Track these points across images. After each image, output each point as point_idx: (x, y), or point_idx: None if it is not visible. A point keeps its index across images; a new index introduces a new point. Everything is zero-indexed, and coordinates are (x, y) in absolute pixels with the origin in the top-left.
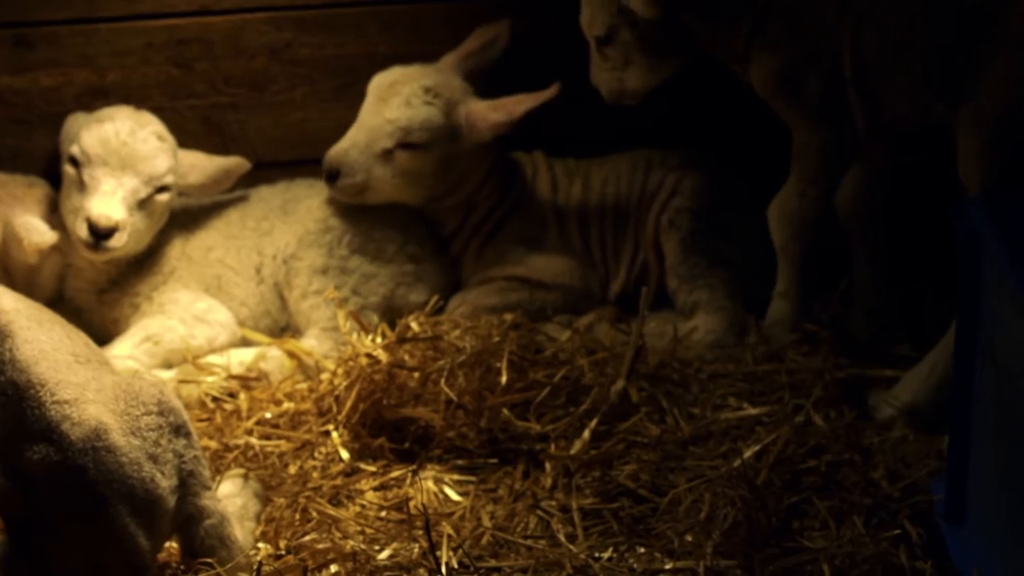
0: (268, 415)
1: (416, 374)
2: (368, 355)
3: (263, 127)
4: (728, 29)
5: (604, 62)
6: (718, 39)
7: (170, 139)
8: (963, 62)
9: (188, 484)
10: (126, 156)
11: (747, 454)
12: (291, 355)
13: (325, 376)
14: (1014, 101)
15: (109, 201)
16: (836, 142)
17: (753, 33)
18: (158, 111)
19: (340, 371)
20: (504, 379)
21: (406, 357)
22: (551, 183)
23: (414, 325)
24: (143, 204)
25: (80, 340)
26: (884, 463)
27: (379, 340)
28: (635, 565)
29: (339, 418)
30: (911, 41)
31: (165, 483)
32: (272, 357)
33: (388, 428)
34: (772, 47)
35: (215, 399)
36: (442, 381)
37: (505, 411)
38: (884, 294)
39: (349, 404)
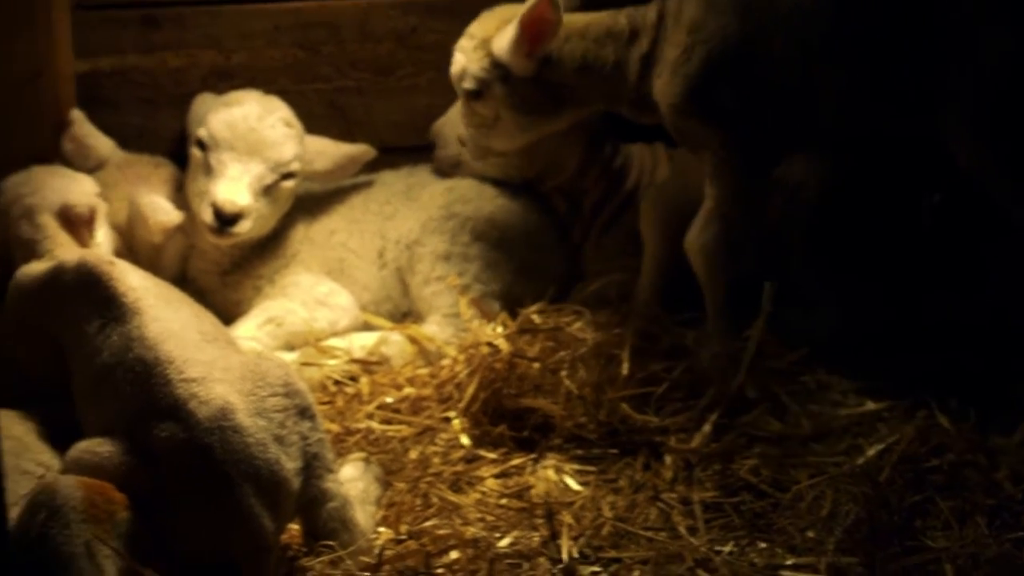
0: (389, 400)
1: (536, 364)
2: (489, 344)
3: (388, 112)
4: (613, 74)
5: (473, 119)
6: (601, 88)
7: (297, 125)
8: (906, 56)
9: (312, 466)
10: (253, 142)
11: (870, 452)
12: (412, 340)
13: (446, 363)
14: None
15: (235, 186)
16: (754, 159)
17: (647, 65)
18: (283, 94)
19: (461, 358)
20: (625, 371)
21: (526, 347)
22: None
23: (535, 317)
24: (268, 190)
25: (207, 319)
26: (1008, 464)
27: (500, 329)
28: (756, 560)
29: (460, 405)
30: (840, 42)
31: (290, 464)
32: (394, 342)
33: (508, 416)
34: (676, 66)
35: (337, 382)
36: (563, 372)
37: (624, 405)
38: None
39: (470, 391)
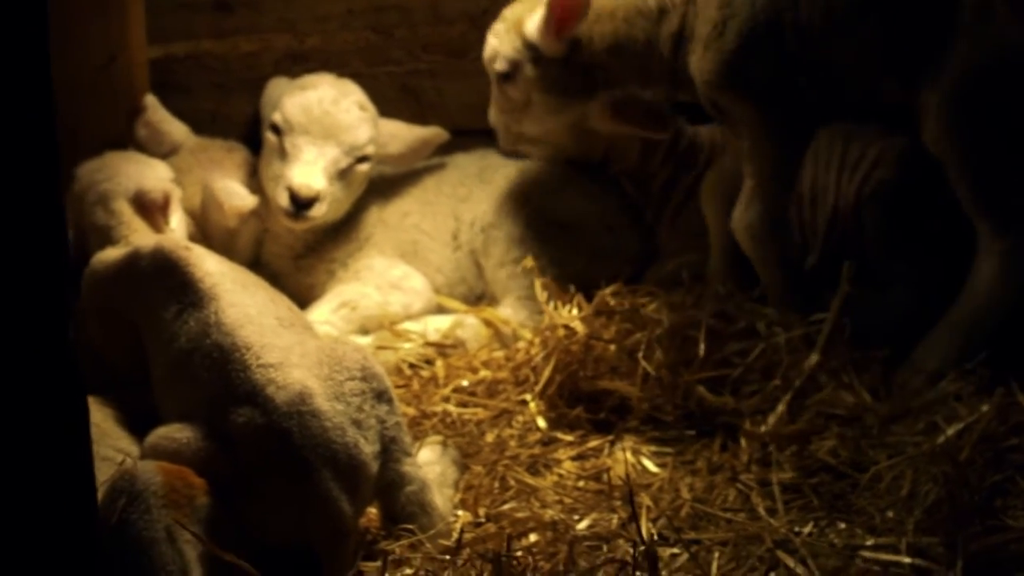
0: (465, 383)
1: (612, 347)
2: (565, 326)
3: (460, 94)
4: (645, 52)
5: (505, 103)
6: (634, 67)
7: (371, 109)
8: (915, 40)
9: (390, 450)
10: (328, 125)
11: (949, 431)
12: (487, 323)
13: (521, 345)
14: (979, 82)
15: (310, 170)
16: (789, 132)
17: (678, 43)
18: (356, 77)
19: (536, 341)
20: (701, 352)
21: (601, 329)
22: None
23: (610, 299)
24: (343, 174)
25: (284, 304)
26: None
27: (576, 311)
28: (836, 540)
29: (536, 388)
30: (860, 14)
31: (368, 448)
32: (468, 325)
33: (584, 399)
34: (708, 41)
35: (412, 366)
36: (640, 354)
37: (700, 387)
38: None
39: (546, 374)
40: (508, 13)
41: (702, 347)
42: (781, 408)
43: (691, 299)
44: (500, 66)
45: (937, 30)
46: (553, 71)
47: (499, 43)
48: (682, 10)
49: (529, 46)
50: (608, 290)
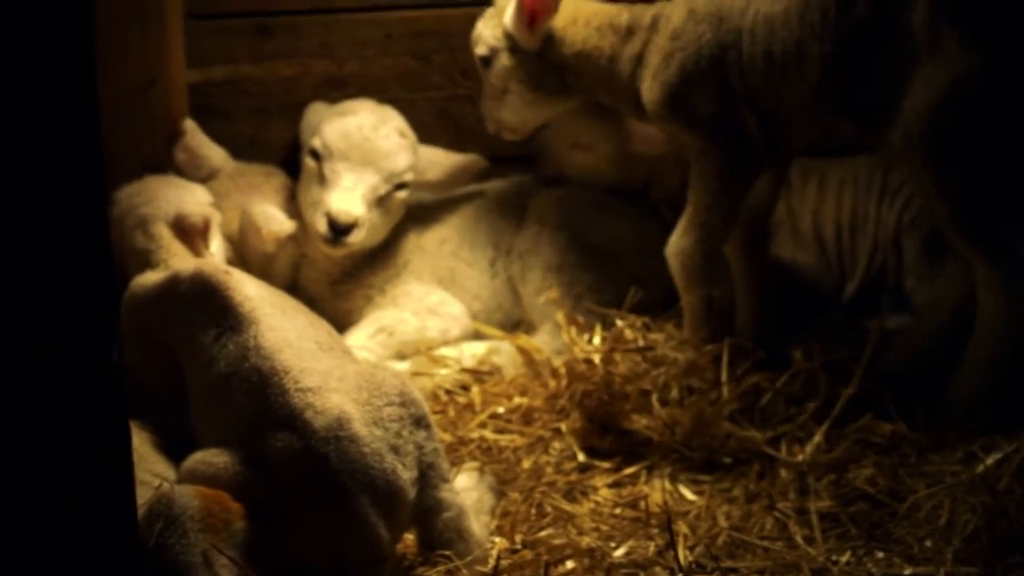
0: (501, 410)
1: (629, 387)
2: (585, 360)
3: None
4: (608, 67)
5: (488, 88)
6: (599, 79)
7: (411, 135)
8: (863, 82)
9: (427, 476)
10: (368, 152)
11: (988, 461)
12: (521, 351)
13: (554, 373)
14: (940, 117)
15: (349, 197)
16: (733, 165)
17: (638, 65)
18: (395, 103)
19: (563, 371)
20: (726, 393)
21: (619, 362)
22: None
23: (628, 332)
24: (382, 200)
25: (323, 328)
26: None
27: (595, 341)
28: (873, 570)
29: (572, 415)
30: (800, 57)
31: (406, 474)
32: (504, 351)
33: (613, 431)
34: (656, 71)
35: (448, 392)
36: (654, 396)
37: (726, 423)
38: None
39: (577, 403)
40: (501, 1)
41: (725, 389)
42: (818, 438)
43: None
44: (480, 50)
45: (886, 70)
46: (527, 63)
47: (483, 28)
48: (646, 36)
49: (508, 35)
50: (625, 324)
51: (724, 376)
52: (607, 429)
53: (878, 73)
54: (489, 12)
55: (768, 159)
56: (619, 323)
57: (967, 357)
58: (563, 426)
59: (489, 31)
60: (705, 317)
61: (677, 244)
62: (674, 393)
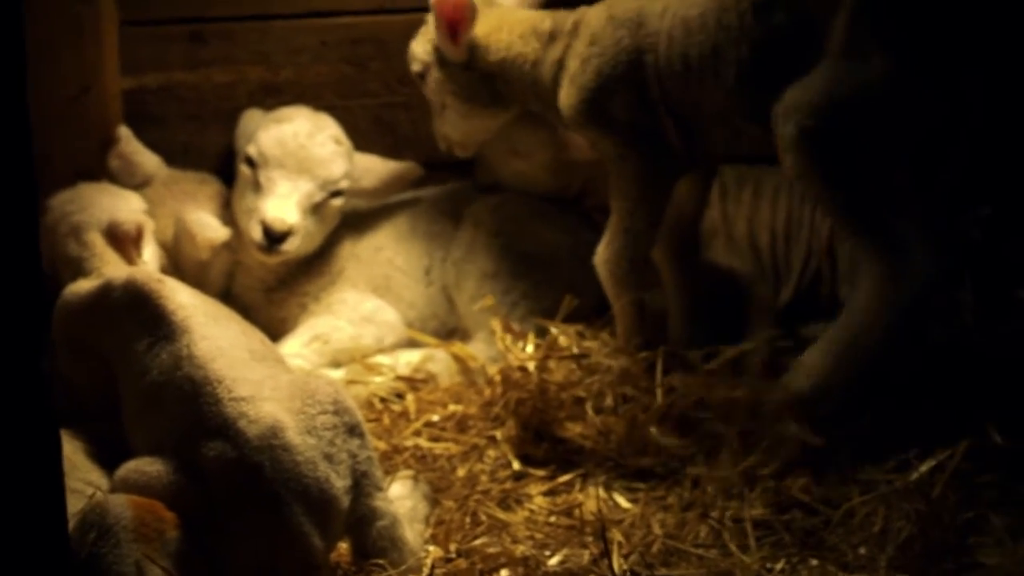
0: (435, 418)
1: (563, 394)
2: (520, 368)
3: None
4: (532, 73)
5: (433, 106)
6: (525, 86)
7: (347, 143)
8: (771, 85)
9: (361, 485)
10: (303, 159)
11: (922, 468)
12: (456, 358)
13: (489, 381)
14: (840, 115)
15: (284, 204)
16: (652, 170)
17: (559, 70)
18: (330, 109)
19: (497, 379)
20: (659, 399)
21: (553, 369)
22: (720, 189)
23: (562, 340)
24: (317, 208)
25: (256, 337)
26: None
27: (529, 349)
28: None
29: (507, 423)
30: (716, 61)
31: (340, 483)
32: (439, 359)
33: (548, 437)
34: (574, 76)
35: (383, 400)
36: (588, 404)
37: (653, 430)
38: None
39: (511, 411)
40: (432, 18)
41: (659, 392)
42: (734, 446)
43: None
44: (415, 67)
45: (799, 77)
46: (457, 76)
47: (415, 45)
48: (567, 40)
49: (436, 49)
50: (559, 332)
51: (659, 381)
52: (541, 437)
53: (791, 79)
54: (421, 29)
55: (687, 164)
56: (553, 331)
57: (817, 343)
58: (498, 434)
59: (420, 47)
60: (637, 324)
61: (604, 253)
62: (608, 401)
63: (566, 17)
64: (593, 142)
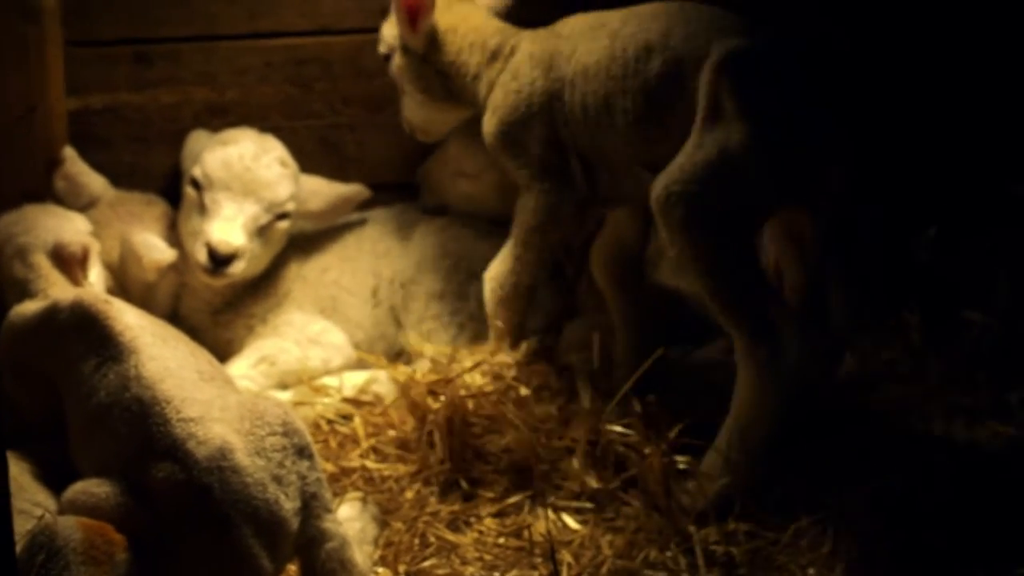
0: (383, 439)
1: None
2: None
3: (381, 148)
4: (471, 86)
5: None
6: (467, 94)
7: (293, 165)
8: (660, 133)
9: (310, 506)
10: (249, 181)
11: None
12: (397, 382)
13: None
14: (702, 181)
15: (230, 227)
16: (554, 207)
17: (489, 91)
18: (276, 130)
19: (430, 403)
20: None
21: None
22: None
23: (467, 362)
24: (263, 230)
25: (204, 358)
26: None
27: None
28: None
29: (442, 444)
30: (608, 109)
31: (289, 505)
32: (384, 380)
33: (482, 457)
34: (496, 105)
35: (330, 422)
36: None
37: (576, 464)
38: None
39: (446, 433)
40: None
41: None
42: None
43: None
44: (381, 48)
45: (681, 128)
46: (414, 64)
47: (385, 27)
48: (502, 65)
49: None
50: (468, 355)
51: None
52: (479, 457)
53: (673, 129)
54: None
55: (591, 205)
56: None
57: (721, 436)
58: (438, 455)
59: (388, 30)
60: (504, 345)
61: (492, 270)
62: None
63: (509, 39)
64: (505, 169)
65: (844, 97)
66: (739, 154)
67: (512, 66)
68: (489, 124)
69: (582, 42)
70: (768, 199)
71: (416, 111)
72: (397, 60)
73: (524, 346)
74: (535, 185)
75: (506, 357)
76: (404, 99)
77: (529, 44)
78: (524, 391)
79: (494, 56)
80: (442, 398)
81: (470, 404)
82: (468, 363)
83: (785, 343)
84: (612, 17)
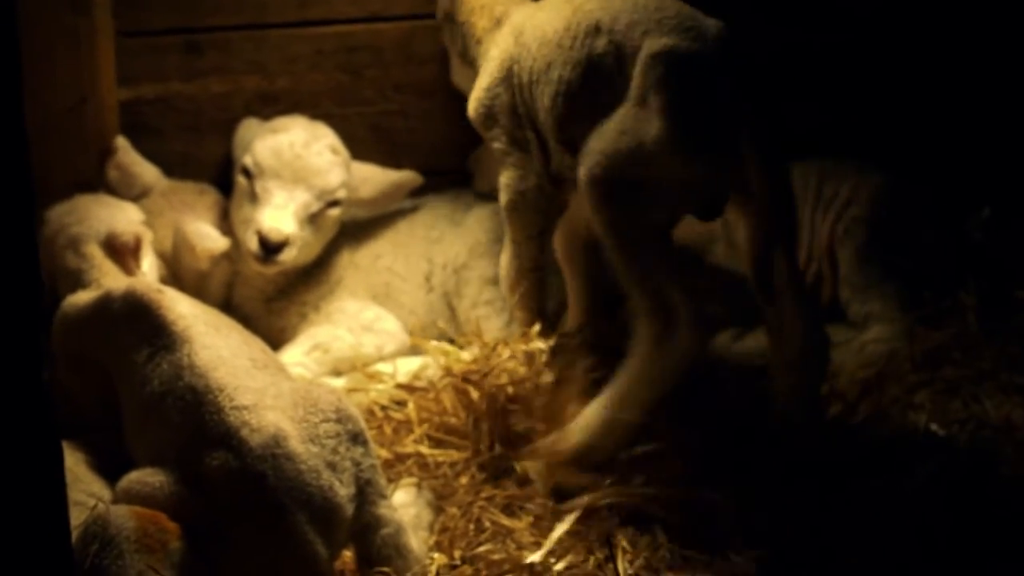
0: (436, 424)
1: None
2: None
3: (432, 134)
4: (476, 51)
5: None
6: (472, 55)
7: (344, 152)
8: (582, 115)
9: (365, 493)
10: (299, 169)
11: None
12: (448, 369)
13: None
14: (620, 165)
15: (281, 215)
16: (518, 183)
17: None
18: (327, 118)
19: (476, 392)
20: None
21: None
22: None
23: (504, 352)
24: (314, 218)
25: (257, 346)
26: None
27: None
28: None
29: (491, 431)
30: (547, 76)
31: (343, 491)
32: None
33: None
34: (480, 75)
35: (384, 408)
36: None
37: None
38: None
39: (487, 420)
40: None
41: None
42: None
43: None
44: (438, 13)
45: (606, 111)
46: (446, 24)
47: None
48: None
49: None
50: (501, 344)
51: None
52: (525, 441)
53: (590, 112)
54: None
55: (554, 183)
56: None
57: (597, 398)
58: (485, 441)
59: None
60: (530, 322)
61: (501, 258)
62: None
63: (511, 7)
64: (486, 143)
65: (770, 106)
66: (654, 150)
67: (498, 38)
68: (473, 96)
69: (550, 11)
70: (680, 196)
71: (456, 74)
72: (446, 29)
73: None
74: (505, 160)
75: (540, 342)
76: (451, 64)
77: (517, 14)
78: (547, 378)
79: (498, 23)
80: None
81: (510, 390)
82: (505, 353)
83: (680, 326)
84: None
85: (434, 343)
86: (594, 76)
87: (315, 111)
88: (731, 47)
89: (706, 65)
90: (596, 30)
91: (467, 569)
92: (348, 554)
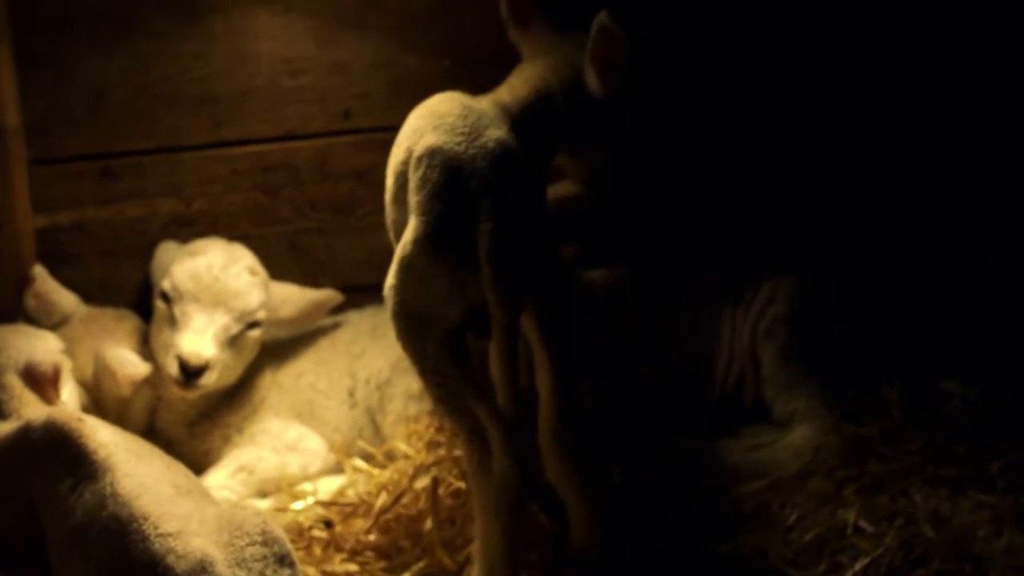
0: (364, 541)
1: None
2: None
3: (350, 251)
4: None
5: None
6: None
7: (262, 273)
8: (398, 218)
9: None
10: (218, 292)
11: (856, 567)
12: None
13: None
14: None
15: (200, 338)
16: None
17: None
18: (244, 238)
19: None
20: None
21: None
22: (638, 297)
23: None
24: (234, 340)
25: (180, 471)
26: (995, 572)
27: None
28: None
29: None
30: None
31: None
32: (363, 483)
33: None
34: None
35: (310, 527)
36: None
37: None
38: None
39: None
40: None
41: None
42: None
43: None
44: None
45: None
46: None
47: None
48: None
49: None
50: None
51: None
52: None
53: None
54: None
55: None
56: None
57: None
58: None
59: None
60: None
61: None
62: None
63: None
64: None
65: (529, 209)
66: (409, 252)
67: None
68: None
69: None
70: (444, 305)
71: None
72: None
73: None
74: None
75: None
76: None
77: None
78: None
79: None
80: (403, 500)
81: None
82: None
83: (494, 452)
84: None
85: (356, 461)
86: (401, 188)
87: (232, 232)
88: (502, 159)
89: (462, 166)
90: (401, 141)
91: None
92: None
